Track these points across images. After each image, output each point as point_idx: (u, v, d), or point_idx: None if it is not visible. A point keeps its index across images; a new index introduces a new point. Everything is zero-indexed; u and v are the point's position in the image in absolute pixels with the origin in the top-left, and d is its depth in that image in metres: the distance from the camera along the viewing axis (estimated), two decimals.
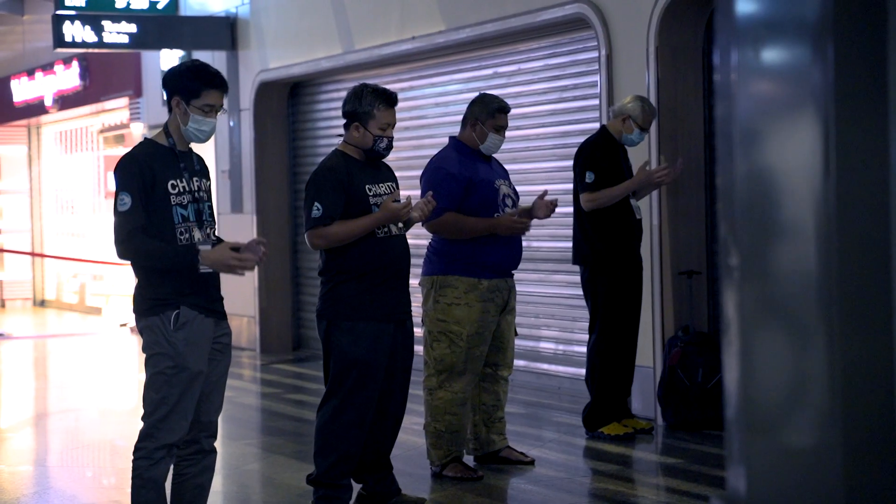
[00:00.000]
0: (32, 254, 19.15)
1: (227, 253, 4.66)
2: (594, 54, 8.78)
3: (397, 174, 11.99)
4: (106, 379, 11.51)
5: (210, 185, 4.95)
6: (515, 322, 6.80)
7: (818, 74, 2.28)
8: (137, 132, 14.89)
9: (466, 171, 6.49)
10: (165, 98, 4.86)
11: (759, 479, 2.37)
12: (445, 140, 10.74)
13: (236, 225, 12.92)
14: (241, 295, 12.88)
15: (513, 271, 6.66)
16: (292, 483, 6.49)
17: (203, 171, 4.91)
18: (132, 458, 4.79)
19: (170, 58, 13.86)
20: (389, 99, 5.69)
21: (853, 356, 2.27)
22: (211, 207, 4.90)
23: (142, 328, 4.78)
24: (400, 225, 5.69)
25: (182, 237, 4.72)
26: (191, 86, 4.75)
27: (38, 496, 6.58)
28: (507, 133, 9.97)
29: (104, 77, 15.59)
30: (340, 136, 5.80)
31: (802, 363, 2.34)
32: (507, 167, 10.02)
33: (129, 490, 6.80)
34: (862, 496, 2.22)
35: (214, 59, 13.08)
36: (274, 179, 12.65)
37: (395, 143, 12.10)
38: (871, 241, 2.27)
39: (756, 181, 2.41)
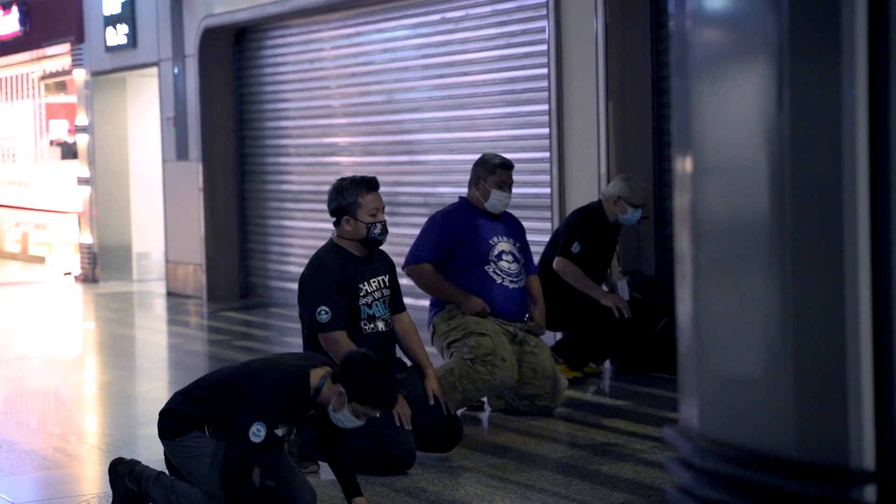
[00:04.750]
0: None
1: None
2: None
3: (345, 120, 11.94)
4: (50, 327, 11.42)
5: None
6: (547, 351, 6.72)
7: (773, 19, 2.29)
8: (80, 78, 14.68)
9: (458, 229, 6.52)
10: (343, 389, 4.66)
11: (711, 410, 2.40)
12: (392, 87, 10.74)
13: (182, 173, 12.81)
14: (187, 243, 12.80)
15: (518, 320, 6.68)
16: None
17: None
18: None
19: (111, 3, 13.65)
20: (370, 184, 5.69)
21: (805, 291, 2.30)
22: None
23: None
24: (390, 322, 5.76)
25: None
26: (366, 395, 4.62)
27: None
28: (456, 80, 9.98)
29: (45, 22, 15.34)
30: (333, 230, 5.77)
31: (755, 298, 2.36)
32: (455, 113, 10.02)
33: (73, 438, 6.81)
34: (812, 425, 2.25)
35: (158, 4, 12.91)
36: (220, 127, 12.54)
37: (342, 90, 12.07)
38: (824, 179, 2.29)
39: (711, 117, 2.42)
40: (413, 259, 6.51)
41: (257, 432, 4.50)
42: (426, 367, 5.82)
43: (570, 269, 7.34)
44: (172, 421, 4.77)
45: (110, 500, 5.00)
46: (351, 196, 5.65)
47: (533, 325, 6.68)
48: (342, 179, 5.76)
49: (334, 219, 5.72)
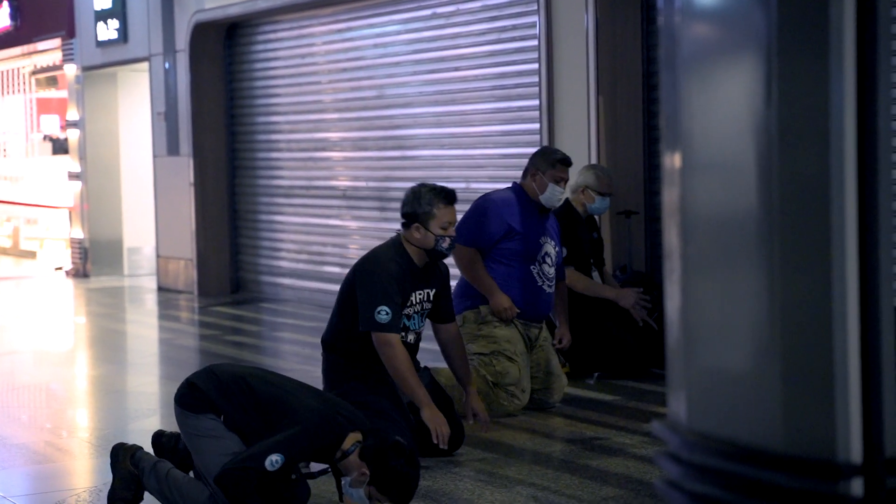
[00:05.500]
0: None
1: None
2: None
3: (336, 115, 11.93)
4: (41, 322, 11.41)
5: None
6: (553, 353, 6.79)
7: (761, 14, 2.30)
8: (71, 73, 14.66)
9: (513, 218, 6.53)
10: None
11: (699, 405, 2.41)
12: (383, 82, 10.75)
13: (173, 168, 12.81)
14: (178, 238, 12.80)
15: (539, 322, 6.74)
16: None
17: None
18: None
19: None
20: (448, 196, 5.68)
21: (792, 286, 2.31)
22: None
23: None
24: (420, 336, 5.77)
25: None
26: None
27: None
28: (447, 75, 9.99)
29: (36, 17, 15.31)
30: (399, 231, 5.76)
31: (743, 292, 2.37)
32: (445, 108, 10.04)
33: (64, 432, 6.81)
34: (799, 419, 2.26)
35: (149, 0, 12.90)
36: (211, 122, 12.54)
37: (333, 85, 12.06)
38: (812, 174, 2.29)
39: (699, 113, 2.43)
40: (462, 241, 6.43)
41: (275, 462, 4.49)
42: (467, 384, 5.91)
43: (578, 280, 7.25)
44: (195, 394, 4.77)
45: (102, 494, 5.01)
46: (427, 205, 5.64)
47: (562, 347, 6.81)
48: (422, 185, 5.73)
49: (404, 220, 5.70)
